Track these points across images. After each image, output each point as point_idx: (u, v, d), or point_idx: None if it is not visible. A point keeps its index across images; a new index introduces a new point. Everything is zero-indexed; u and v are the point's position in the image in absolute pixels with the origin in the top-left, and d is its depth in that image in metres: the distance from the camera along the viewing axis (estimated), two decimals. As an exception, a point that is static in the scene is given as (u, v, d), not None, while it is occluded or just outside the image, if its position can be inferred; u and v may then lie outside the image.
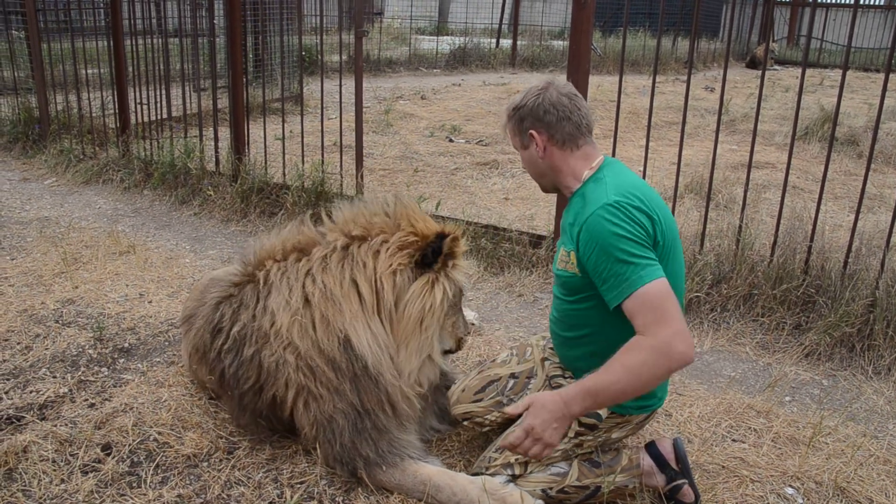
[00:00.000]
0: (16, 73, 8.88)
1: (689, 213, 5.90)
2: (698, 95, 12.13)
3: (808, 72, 16.02)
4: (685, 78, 14.69)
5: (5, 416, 3.15)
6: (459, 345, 2.88)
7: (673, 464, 2.64)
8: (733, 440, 3.08)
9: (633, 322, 2.23)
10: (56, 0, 8.74)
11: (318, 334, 2.61)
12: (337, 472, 2.71)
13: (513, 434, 2.35)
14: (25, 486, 2.69)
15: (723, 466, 2.89)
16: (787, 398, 3.48)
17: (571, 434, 2.58)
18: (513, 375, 2.88)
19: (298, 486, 2.71)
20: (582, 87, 4.37)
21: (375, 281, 2.62)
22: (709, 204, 4.46)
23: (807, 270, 4.07)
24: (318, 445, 2.71)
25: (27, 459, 2.83)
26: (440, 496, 2.59)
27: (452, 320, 2.79)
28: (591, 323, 2.52)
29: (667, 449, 2.67)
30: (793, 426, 3.19)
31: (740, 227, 4.28)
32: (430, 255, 2.64)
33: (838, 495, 2.76)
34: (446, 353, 2.86)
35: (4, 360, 3.64)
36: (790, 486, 2.80)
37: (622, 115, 10.14)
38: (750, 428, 3.17)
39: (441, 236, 2.65)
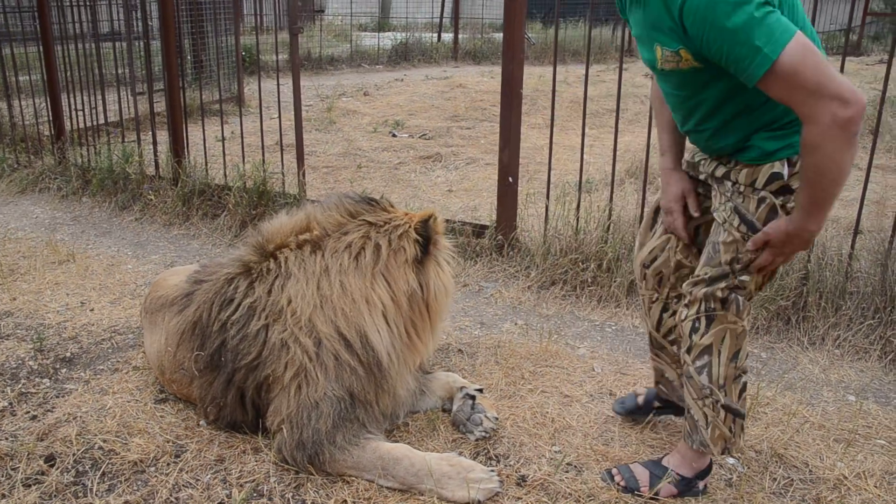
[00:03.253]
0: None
1: (630, 197, 6.00)
2: (639, 82, 12.29)
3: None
4: (626, 66, 14.88)
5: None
6: None
7: None
8: (675, 416, 3.15)
9: (787, 104, 2.05)
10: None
11: (339, 322, 2.70)
12: (288, 463, 2.71)
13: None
14: (-34, 500, 2.64)
15: (668, 443, 2.96)
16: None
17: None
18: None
19: (248, 484, 2.70)
20: (517, 76, 4.42)
21: (389, 284, 2.78)
22: (646, 185, 4.55)
23: (741, 248, 4.18)
24: (283, 430, 2.72)
25: (-35, 473, 2.77)
26: (398, 468, 2.62)
27: None
28: (731, 103, 2.26)
29: None
30: (733, 399, 3.28)
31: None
32: (425, 242, 2.81)
33: (776, 461, 2.85)
34: None
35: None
36: (731, 456, 2.88)
37: (565, 103, 10.28)
38: (692, 402, 3.25)
39: (426, 221, 2.82)
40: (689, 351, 2.48)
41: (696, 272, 2.45)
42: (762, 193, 2.29)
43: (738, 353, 2.45)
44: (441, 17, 18.64)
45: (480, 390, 3.12)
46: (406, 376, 2.92)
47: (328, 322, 2.71)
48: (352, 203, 2.88)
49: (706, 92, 2.26)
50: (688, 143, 2.66)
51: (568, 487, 2.64)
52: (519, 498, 2.60)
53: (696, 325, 2.43)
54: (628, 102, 10.54)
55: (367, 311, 2.73)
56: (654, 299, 2.79)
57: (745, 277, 2.35)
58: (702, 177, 2.56)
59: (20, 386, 3.45)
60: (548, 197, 4.71)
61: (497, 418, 3.00)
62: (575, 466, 2.78)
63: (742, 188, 2.33)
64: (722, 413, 2.49)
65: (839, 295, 3.91)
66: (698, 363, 2.46)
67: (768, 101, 2.19)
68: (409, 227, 2.81)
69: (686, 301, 2.47)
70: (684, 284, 2.51)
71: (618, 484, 2.64)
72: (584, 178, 6.61)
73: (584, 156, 7.69)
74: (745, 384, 2.50)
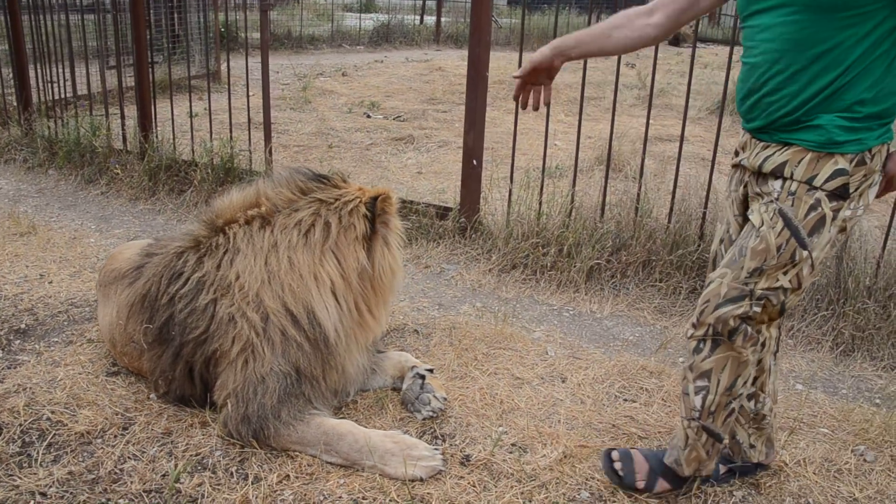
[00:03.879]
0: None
1: (598, 183, 6.01)
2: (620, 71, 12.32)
3: (726, 49, 16.44)
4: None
5: None
6: None
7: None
8: (625, 400, 3.18)
9: None
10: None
11: (286, 298, 2.70)
12: (233, 437, 2.71)
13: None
14: None
15: (613, 425, 2.99)
16: (681, 359, 3.61)
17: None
18: (721, 241, 2.57)
19: (193, 457, 2.70)
20: (483, 59, 4.42)
21: (339, 261, 2.78)
22: (608, 174, 4.56)
23: (701, 236, 4.21)
24: (229, 405, 2.72)
25: None
26: (341, 444, 2.63)
27: None
28: (842, 44, 2.03)
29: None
30: (682, 384, 3.32)
31: (638, 195, 4.40)
32: (372, 220, 2.82)
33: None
34: None
35: None
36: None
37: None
38: (642, 388, 3.28)
39: (375, 198, 2.82)
40: (690, 368, 2.41)
41: (715, 272, 2.31)
42: (818, 195, 2.11)
43: (736, 382, 2.35)
44: (424, -1, 18.56)
45: (431, 370, 3.13)
46: (356, 353, 2.93)
47: (275, 297, 2.71)
48: (303, 180, 2.87)
49: (840, 35, 2.01)
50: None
51: (511, 468, 2.67)
52: (462, 477, 2.62)
53: (701, 346, 2.34)
54: (606, 90, 10.54)
55: (314, 287, 2.73)
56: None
57: (757, 308, 2.22)
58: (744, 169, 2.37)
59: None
60: (511, 181, 4.71)
61: (446, 398, 3.02)
62: (519, 447, 2.80)
63: (795, 187, 2.13)
64: (703, 436, 2.43)
65: (795, 285, 3.95)
66: (698, 383, 2.38)
67: (879, 77, 2.04)
68: (360, 203, 2.81)
69: (696, 317, 2.34)
70: (706, 284, 2.37)
71: (617, 473, 2.55)
72: (555, 164, 6.66)
73: (559, 143, 7.78)
74: (733, 409, 2.42)
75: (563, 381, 3.30)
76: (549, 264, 4.35)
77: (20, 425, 2.89)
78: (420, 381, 3.03)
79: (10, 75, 7.29)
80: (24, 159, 6.56)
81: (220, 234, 2.86)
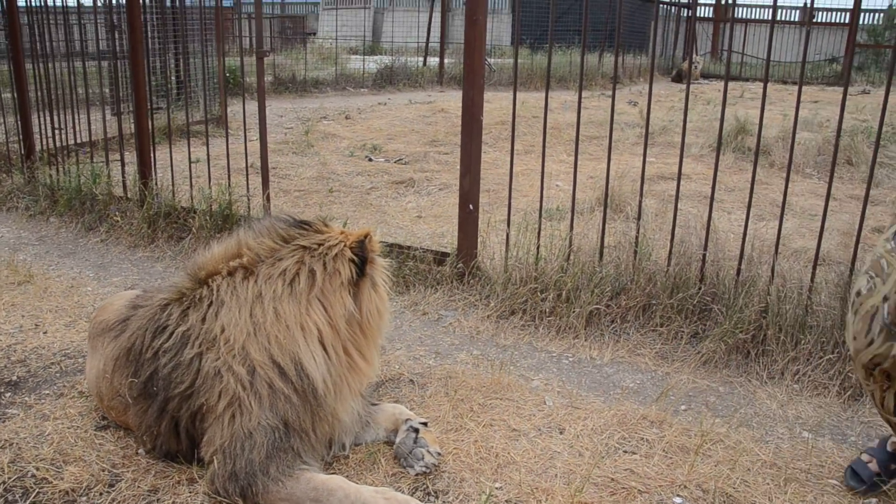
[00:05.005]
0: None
1: (598, 225, 5.97)
2: (621, 110, 12.36)
3: (730, 84, 16.44)
4: (610, 93, 15.02)
5: None
6: None
7: None
8: (625, 452, 3.10)
9: None
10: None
11: (273, 350, 2.65)
12: (220, 495, 2.63)
13: None
14: None
15: (612, 479, 2.90)
16: (683, 407, 3.53)
17: None
18: (885, 298, 2.54)
19: (177, 518, 2.63)
20: (477, 103, 4.41)
21: (326, 309, 2.73)
22: (605, 216, 4.52)
23: (702, 279, 4.15)
24: (215, 461, 2.65)
25: None
26: (331, 500, 2.55)
27: None
28: None
29: None
30: (685, 435, 3.23)
31: (637, 237, 4.35)
32: (362, 263, 2.79)
33: (724, 501, 2.79)
34: None
35: None
36: (678, 495, 2.83)
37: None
38: (642, 438, 3.20)
39: (361, 241, 2.79)
40: None
41: None
42: None
43: None
44: (427, 41, 18.74)
45: (425, 423, 3.06)
46: (348, 400, 2.86)
47: (262, 350, 2.66)
48: (284, 227, 2.84)
49: None
50: None
51: (505, 525, 2.58)
52: (454, 535, 2.54)
53: None
54: (607, 129, 10.54)
55: (301, 337, 2.68)
56: (885, 388, 2.63)
57: None
58: None
59: (-39, 410, 3.38)
60: (508, 224, 4.67)
61: (440, 453, 2.94)
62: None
63: None
64: None
65: (799, 328, 3.88)
66: None
67: None
68: (344, 247, 2.77)
69: None
70: None
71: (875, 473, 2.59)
72: (556, 205, 6.63)
73: (560, 183, 7.76)
74: None
75: (561, 433, 3.21)
76: (547, 310, 4.28)
77: (3, 483, 2.83)
78: (414, 434, 2.96)
79: (14, 123, 7.35)
80: (27, 207, 6.57)
81: (204, 287, 2.82)
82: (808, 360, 3.82)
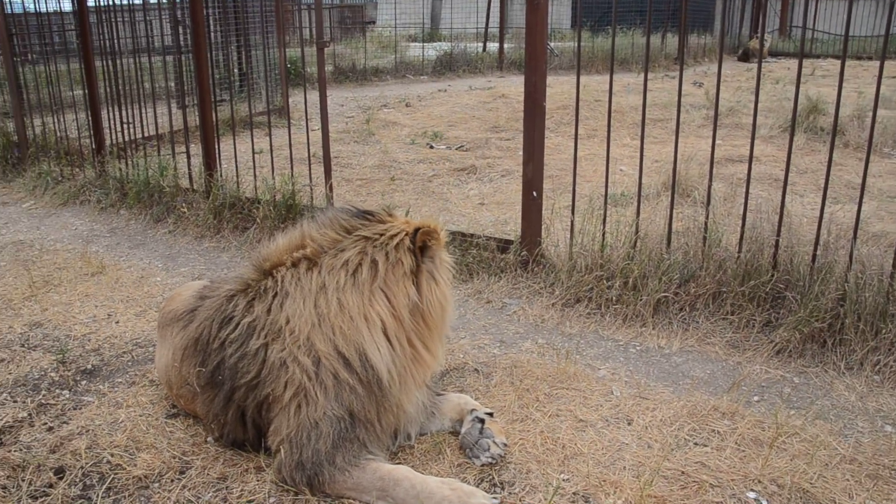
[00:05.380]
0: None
1: (665, 211, 5.84)
2: (686, 91, 12.04)
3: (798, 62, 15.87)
4: (673, 74, 14.63)
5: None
6: None
7: None
8: (695, 444, 3.01)
9: None
10: (29, 24, 8.76)
11: (337, 341, 2.66)
12: (287, 484, 2.66)
13: None
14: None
15: (682, 472, 2.83)
16: (756, 398, 3.42)
17: None
18: None
19: (248, 503, 2.66)
20: (540, 88, 4.33)
21: (389, 299, 2.73)
22: (673, 200, 4.40)
23: (775, 265, 4.01)
24: (282, 450, 2.68)
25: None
26: (397, 490, 2.56)
27: None
28: None
29: None
30: (758, 427, 3.12)
31: (706, 223, 4.22)
32: (420, 252, 2.77)
33: (800, 497, 2.69)
34: None
35: None
36: (752, 490, 2.74)
37: (606, 112, 10.11)
38: (714, 430, 3.11)
39: (419, 231, 2.77)
40: None
41: None
42: None
43: None
44: (486, 26, 18.59)
45: (491, 414, 3.03)
46: (413, 391, 2.85)
47: (327, 340, 2.66)
48: (346, 218, 2.84)
49: None
50: None
51: (573, 518, 2.54)
52: (521, 528, 2.51)
53: None
54: (673, 111, 10.29)
55: (365, 328, 2.68)
56: None
57: None
58: None
59: (40, 397, 3.49)
60: (573, 211, 4.59)
61: (506, 444, 2.91)
62: (582, 496, 2.67)
63: None
64: None
65: (879, 317, 3.70)
66: None
67: None
68: (405, 236, 2.75)
69: None
70: None
71: None
72: (621, 190, 6.50)
73: (625, 167, 7.61)
74: None
75: (629, 424, 3.14)
76: (614, 298, 4.20)
77: (81, 468, 2.91)
78: (479, 425, 2.93)
79: (85, 119, 7.55)
80: (98, 200, 6.76)
81: (269, 278, 2.84)
82: (889, 349, 3.65)
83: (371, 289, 2.70)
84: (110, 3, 6.97)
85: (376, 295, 2.71)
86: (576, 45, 4.17)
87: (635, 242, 4.31)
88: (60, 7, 7.76)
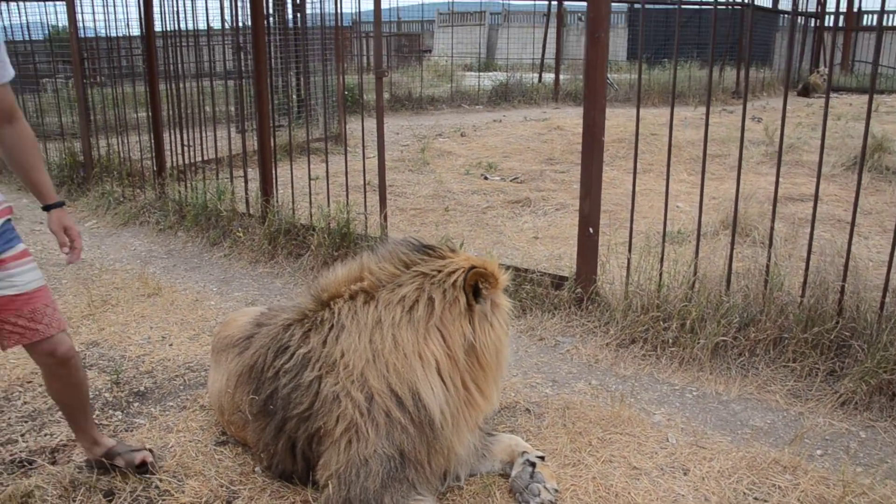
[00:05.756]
0: (62, 119, 9.19)
1: (723, 250, 5.70)
2: (745, 126, 11.87)
3: (863, 97, 15.58)
4: (731, 109, 14.41)
5: (17, 459, 3.17)
6: None
7: None
8: (755, 499, 2.90)
9: None
10: (99, 47, 9.04)
11: (391, 378, 2.63)
12: (334, 522, 2.63)
13: None
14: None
15: (741, 526, 2.72)
16: (819, 451, 3.28)
17: None
18: None
19: (292, 541, 2.63)
20: (599, 123, 4.28)
21: (444, 338, 2.68)
22: (734, 241, 4.29)
23: (840, 312, 3.86)
24: (330, 486, 2.64)
25: (29, 508, 2.83)
26: None
27: None
28: None
29: None
30: (822, 484, 2.99)
31: (768, 265, 4.10)
32: (475, 293, 2.72)
33: (868, 560, 2.56)
34: None
35: (25, 403, 3.68)
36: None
37: (665, 148, 9.99)
38: (774, 485, 2.98)
39: (474, 271, 2.71)
40: None
41: None
42: None
43: None
44: (542, 57, 18.61)
45: (542, 457, 2.96)
46: (465, 434, 2.80)
47: (380, 377, 2.63)
48: (406, 252, 2.81)
49: None
50: None
51: (626, 572, 2.45)
52: (572, 580, 2.42)
53: None
54: (731, 147, 10.14)
55: (419, 367, 2.64)
56: None
57: None
58: None
59: (94, 417, 3.51)
60: (629, 250, 4.51)
61: (556, 490, 2.83)
62: (636, 549, 2.58)
63: None
64: None
65: (953, 371, 3.54)
66: None
67: None
68: (464, 275, 2.70)
69: None
70: None
71: None
72: (677, 228, 6.38)
73: (682, 204, 7.48)
74: None
75: (685, 474, 3.04)
76: (670, 340, 4.09)
77: (131, 491, 2.93)
78: (530, 468, 2.87)
79: (148, 141, 7.74)
80: (157, 221, 6.88)
81: (326, 309, 2.82)
82: None
83: (427, 326, 2.67)
84: (176, 28, 7.14)
85: (432, 333, 2.67)
86: (632, 77, 4.11)
87: (693, 283, 4.20)
88: (129, 32, 7.97)
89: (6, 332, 2.63)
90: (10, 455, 3.22)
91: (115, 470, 3.03)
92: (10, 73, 2.63)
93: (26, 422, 3.49)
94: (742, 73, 17.82)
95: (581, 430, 3.34)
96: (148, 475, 2.99)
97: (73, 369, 2.82)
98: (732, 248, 4.25)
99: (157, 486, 2.95)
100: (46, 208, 2.83)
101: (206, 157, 7.39)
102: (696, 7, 22.91)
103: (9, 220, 2.70)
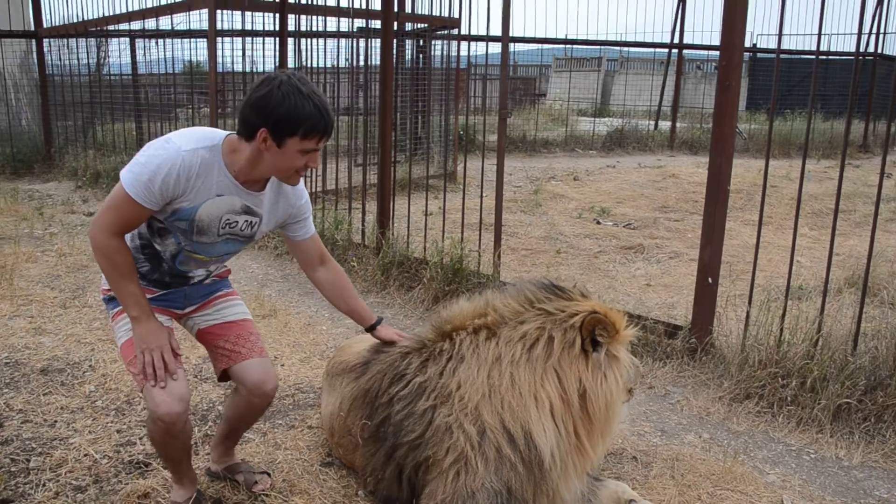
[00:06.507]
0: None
1: (848, 309, 5.43)
2: (871, 181, 11.33)
3: None
4: (857, 163, 13.81)
5: (135, 461, 3.33)
6: (630, 395, 2.92)
7: None
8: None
9: None
10: (234, 81, 9.57)
11: (504, 415, 2.64)
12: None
13: None
14: (138, 534, 2.81)
15: None
16: (951, 529, 3.05)
17: None
18: None
19: (392, 567, 2.65)
20: (725, 171, 4.19)
21: (560, 380, 2.66)
22: (864, 299, 4.08)
23: (980, 382, 3.61)
24: None
25: (145, 506, 2.96)
26: None
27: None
28: None
29: None
30: (954, 563, 2.78)
31: (900, 327, 3.88)
32: (591, 341, 2.68)
33: None
34: None
35: (144, 409, 3.86)
36: None
37: (784, 201, 9.68)
38: (901, 560, 2.79)
39: (594, 316, 2.67)
40: None
41: None
42: None
43: None
44: (660, 104, 18.40)
45: (649, 506, 2.88)
46: (573, 480, 2.75)
47: (494, 413, 2.63)
48: (532, 291, 2.80)
49: None
50: None
51: None
52: None
53: None
54: (857, 203, 9.72)
55: (534, 407, 2.62)
56: None
57: None
58: None
59: (207, 427, 3.66)
60: (749, 303, 4.36)
61: (664, 540, 2.74)
62: None
63: None
64: None
65: None
66: None
67: None
68: (585, 320, 2.67)
69: None
70: None
71: None
72: (798, 283, 6.13)
73: (802, 259, 7.19)
74: None
75: (802, 539, 2.89)
76: (788, 398, 3.91)
77: (237, 502, 3.01)
78: (636, 517, 2.79)
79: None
80: (275, 246, 7.15)
81: (447, 340, 2.85)
82: None
83: (545, 367, 2.65)
84: (306, 65, 7.49)
85: (549, 374, 2.65)
86: (751, 127, 4.00)
87: (817, 341, 4.02)
88: (264, 67, 8.42)
89: (218, 355, 2.90)
90: (129, 456, 3.38)
91: (228, 482, 3.14)
92: (312, 229, 3.05)
93: (144, 426, 3.65)
94: (872, 125, 17.09)
95: (690, 483, 3.23)
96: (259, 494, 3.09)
97: (266, 400, 2.95)
98: (862, 306, 4.05)
99: (263, 500, 3.04)
100: (371, 329, 3.16)
101: (325, 188, 7.64)
102: (823, 58, 22.19)
103: (227, 279, 3.17)
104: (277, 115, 2.43)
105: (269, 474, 3.19)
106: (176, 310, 2.96)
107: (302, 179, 2.78)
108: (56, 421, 3.70)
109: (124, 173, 2.50)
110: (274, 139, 2.47)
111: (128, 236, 2.72)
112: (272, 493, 3.07)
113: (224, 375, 2.95)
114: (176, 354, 2.65)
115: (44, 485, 3.11)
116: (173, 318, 2.96)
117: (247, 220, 2.75)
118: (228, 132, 2.67)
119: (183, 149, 2.51)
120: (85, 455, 3.36)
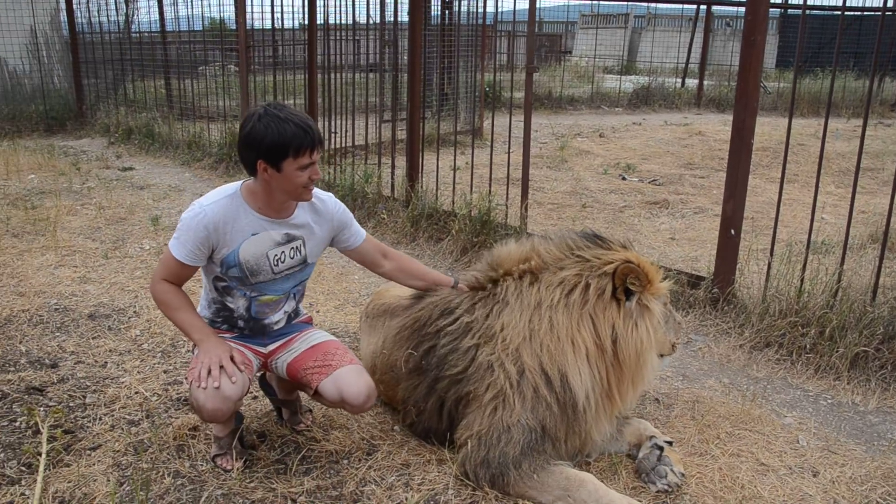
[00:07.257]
0: (226, 103, 9.87)
1: (870, 264, 5.51)
2: (898, 141, 11.25)
3: None
4: (889, 122, 13.61)
5: (182, 398, 3.53)
6: (673, 349, 3.11)
7: None
8: None
9: None
10: (264, 37, 9.65)
11: (543, 358, 2.79)
12: (469, 478, 2.80)
13: None
14: (192, 458, 3.01)
15: (871, 530, 2.70)
16: (961, 469, 3.18)
17: None
18: None
19: (427, 492, 2.83)
20: (749, 126, 4.26)
21: (595, 326, 2.80)
22: (884, 251, 4.16)
23: None
24: (469, 444, 2.82)
25: (195, 437, 3.16)
26: (580, 492, 2.64)
27: (663, 333, 2.98)
28: None
29: None
30: (963, 500, 2.91)
31: (919, 280, 3.97)
32: (624, 290, 2.81)
33: None
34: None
35: (188, 350, 4.06)
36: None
37: (811, 159, 9.66)
38: (910, 496, 2.93)
39: (626, 264, 2.79)
40: None
41: None
42: None
43: None
44: (687, 62, 18.22)
45: (670, 443, 3.04)
46: (603, 422, 2.90)
47: (533, 355, 2.79)
48: (574, 239, 2.93)
49: None
50: None
51: (749, 558, 2.50)
52: (694, 558, 2.50)
53: None
54: (886, 161, 9.68)
55: (570, 351, 2.77)
56: None
57: None
58: None
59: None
60: (771, 254, 4.46)
61: (683, 474, 2.90)
62: (760, 537, 2.62)
63: None
64: None
65: None
66: None
67: None
68: (619, 268, 2.77)
69: None
70: None
71: None
72: (822, 239, 6.20)
73: (827, 216, 7.24)
74: None
75: (815, 476, 3.03)
76: (807, 346, 4.04)
77: (280, 436, 3.21)
78: (658, 452, 2.95)
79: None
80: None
81: (496, 284, 3.01)
82: None
83: (581, 312, 2.79)
84: (335, 22, 7.56)
85: (584, 320, 2.79)
86: (781, 85, 4.06)
87: (836, 292, 4.12)
88: (293, 23, 8.49)
89: (308, 376, 3.01)
90: (177, 394, 3.59)
91: (275, 412, 3.36)
92: (362, 233, 3.21)
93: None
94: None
95: (710, 423, 3.38)
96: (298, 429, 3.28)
97: (358, 412, 3.04)
98: (882, 258, 4.14)
99: (304, 435, 3.23)
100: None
101: (355, 143, 7.77)
102: (857, 14, 21.74)
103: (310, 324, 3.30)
104: (266, 145, 2.65)
105: (311, 410, 3.39)
106: (259, 347, 3.09)
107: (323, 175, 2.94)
108: (106, 362, 3.91)
109: (171, 241, 2.83)
110: (272, 166, 2.69)
111: (202, 304, 3.04)
112: (314, 428, 3.26)
113: (317, 394, 3.02)
114: (236, 362, 2.79)
115: (100, 419, 3.32)
116: (259, 357, 3.09)
117: (292, 247, 2.94)
118: (244, 180, 2.90)
119: (205, 204, 2.79)
120: (136, 392, 3.57)
